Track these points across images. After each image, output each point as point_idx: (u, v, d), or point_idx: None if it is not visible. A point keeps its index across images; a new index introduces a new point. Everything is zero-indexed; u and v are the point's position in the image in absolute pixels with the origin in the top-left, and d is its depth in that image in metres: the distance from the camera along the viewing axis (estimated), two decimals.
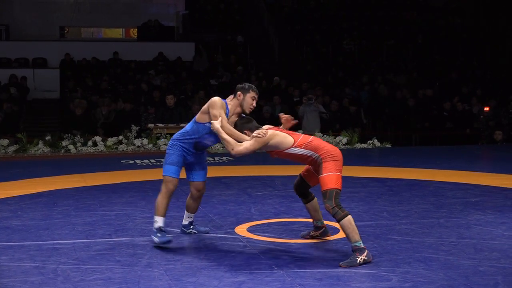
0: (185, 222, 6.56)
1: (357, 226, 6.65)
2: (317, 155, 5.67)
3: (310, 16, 24.23)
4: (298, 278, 5.11)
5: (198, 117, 6.12)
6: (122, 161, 12.45)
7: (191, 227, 6.55)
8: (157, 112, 15.47)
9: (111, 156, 13.56)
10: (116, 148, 14.23)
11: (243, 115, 6.13)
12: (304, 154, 5.72)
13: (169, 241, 5.97)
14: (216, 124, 5.79)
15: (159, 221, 6.05)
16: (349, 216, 5.50)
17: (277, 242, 6.23)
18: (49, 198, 8.57)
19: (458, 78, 20.63)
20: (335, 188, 5.55)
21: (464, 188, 9.12)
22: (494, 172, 10.62)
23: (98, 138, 14.31)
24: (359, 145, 14.69)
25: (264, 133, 5.64)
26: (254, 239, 6.35)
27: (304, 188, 6.16)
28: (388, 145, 14.99)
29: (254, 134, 5.66)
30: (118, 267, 5.40)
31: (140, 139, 14.37)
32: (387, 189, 9.09)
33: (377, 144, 14.82)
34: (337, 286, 4.91)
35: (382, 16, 24.37)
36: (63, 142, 14.13)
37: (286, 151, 5.74)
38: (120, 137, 14.45)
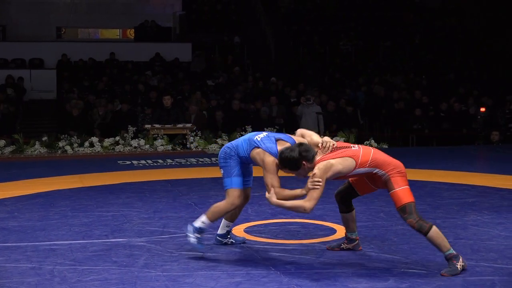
0: (223, 231, 6.15)
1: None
2: (383, 172, 5.43)
3: (307, 17, 24.26)
4: (295, 278, 5.11)
5: (253, 158, 5.70)
6: (119, 161, 12.44)
7: (228, 236, 6.17)
8: (154, 112, 15.46)
9: (108, 156, 13.55)
10: (113, 148, 14.22)
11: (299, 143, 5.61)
12: (369, 172, 5.48)
13: (202, 249, 5.73)
14: (272, 199, 5.45)
15: (205, 223, 5.73)
16: (434, 227, 5.30)
17: (274, 243, 6.22)
18: (46, 199, 8.56)
19: (455, 79, 20.66)
20: (412, 202, 5.36)
21: (461, 188, 9.13)
22: (490, 173, 10.63)
23: (95, 139, 14.30)
24: None
25: (318, 183, 5.35)
26: (251, 239, 6.34)
27: (350, 196, 5.88)
28: (385, 146, 14.99)
29: (310, 186, 5.37)
30: (115, 268, 5.40)
31: (137, 139, 14.36)
32: (384, 189, 9.06)
33: (374, 144, 14.82)
34: (334, 286, 4.92)
35: (379, 17, 24.41)
36: (59, 143, 14.11)
37: (351, 174, 5.49)
38: (117, 138, 14.44)
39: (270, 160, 5.53)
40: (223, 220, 6.10)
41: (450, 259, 5.27)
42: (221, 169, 5.80)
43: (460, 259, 5.25)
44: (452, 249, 5.30)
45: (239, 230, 6.67)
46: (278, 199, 5.43)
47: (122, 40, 25.69)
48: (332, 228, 6.77)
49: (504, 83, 19.87)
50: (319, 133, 15.13)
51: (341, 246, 5.95)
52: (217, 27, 24.20)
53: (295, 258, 5.69)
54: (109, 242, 6.25)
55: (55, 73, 20.57)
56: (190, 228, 5.76)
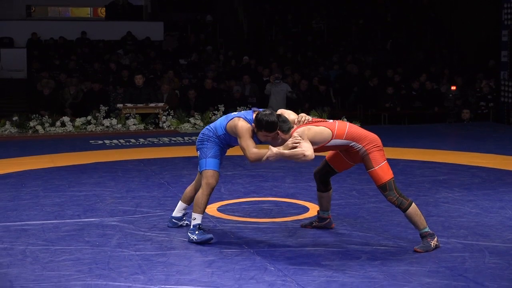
0: (178, 214, 6.13)
1: None
2: (359, 145, 5.44)
3: None
4: (268, 257, 5.14)
5: (229, 130, 5.64)
6: (91, 141, 12.37)
7: (184, 218, 6.16)
8: (126, 92, 15.37)
9: (79, 136, 13.47)
10: (85, 128, 14.13)
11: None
12: (345, 144, 5.46)
13: (211, 239, 5.56)
14: (272, 150, 5.35)
15: (197, 219, 5.59)
16: (413, 204, 5.35)
17: (247, 221, 6.25)
18: (17, 179, 8.50)
19: (426, 58, 20.75)
20: (391, 178, 5.40)
21: (432, 166, 9.22)
22: (461, 151, 10.73)
23: (66, 119, 14.19)
24: None
25: (298, 139, 5.35)
26: (224, 218, 6.36)
27: (329, 174, 5.83)
28: (358, 124, 15.05)
29: (290, 143, 5.34)
30: (87, 248, 5.39)
31: (109, 119, 14.28)
32: (356, 167, 8.96)
33: None
34: (307, 264, 4.95)
35: None
36: (30, 123, 13.99)
37: (327, 144, 5.45)
38: (89, 117, 14.34)
39: (245, 125, 5.51)
40: (180, 202, 6.10)
41: (425, 237, 5.31)
42: (198, 151, 5.76)
43: (435, 238, 5.31)
44: (428, 227, 5.35)
45: (212, 209, 6.68)
46: (255, 158, 5.42)
47: (93, 18, 25.41)
48: (305, 206, 6.80)
49: (474, 63, 20.01)
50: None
51: (313, 224, 5.99)
52: (189, 6, 24.04)
53: (268, 237, 5.72)
54: (82, 222, 6.23)
55: (25, 52, 20.33)
56: (190, 235, 5.61)
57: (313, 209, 6.63)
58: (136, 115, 14.36)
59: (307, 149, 5.27)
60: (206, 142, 5.69)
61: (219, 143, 5.69)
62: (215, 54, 20.43)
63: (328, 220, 5.94)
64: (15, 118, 14.06)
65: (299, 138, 5.33)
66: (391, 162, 9.34)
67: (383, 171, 5.39)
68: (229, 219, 6.33)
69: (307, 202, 6.99)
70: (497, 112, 16.10)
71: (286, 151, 5.31)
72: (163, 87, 15.89)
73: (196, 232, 5.57)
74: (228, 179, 8.34)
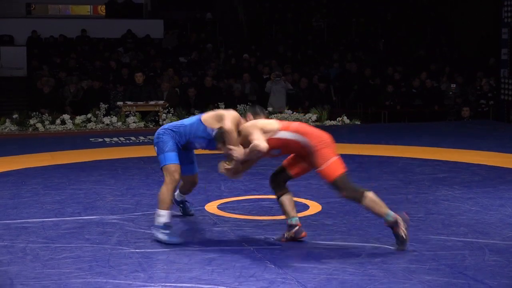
0: (178, 198, 6.27)
1: (326, 203, 6.74)
2: (308, 143, 5.31)
3: None
4: (268, 254, 5.14)
5: (207, 119, 5.66)
6: (91, 139, 12.37)
7: (181, 205, 6.29)
8: (126, 90, 15.38)
9: (79, 134, 13.48)
10: (85, 126, 14.15)
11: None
12: (293, 139, 5.34)
13: (179, 243, 5.43)
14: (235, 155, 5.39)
15: (165, 215, 5.50)
16: (368, 194, 5.22)
17: (247, 219, 6.25)
18: (17, 177, 8.50)
19: (426, 56, 20.75)
20: (342, 173, 5.25)
21: (432, 164, 9.22)
22: (461, 148, 10.73)
23: (66, 116, 14.21)
24: (328, 122, 14.74)
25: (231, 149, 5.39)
26: (224, 216, 6.37)
27: (283, 179, 5.62)
28: (358, 122, 15.07)
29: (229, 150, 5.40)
30: (87, 246, 5.40)
31: (109, 117, 14.29)
32: (356, 165, 9.14)
33: (347, 121, 14.88)
34: (307, 262, 4.96)
35: None
36: (31, 120, 14.00)
37: (276, 136, 5.35)
38: (89, 115, 14.36)
39: (232, 113, 5.61)
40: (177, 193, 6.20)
41: (392, 227, 5.23)
42: (155, 147, 5.79)
43: (400, 223, 5.18)
44: (390, 213, 5.22)
45: (212, 207, 6.69)
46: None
47: (93, 16, 25.42)
48: (305, 204, 6.81)
49: (474, 60, 20.00)
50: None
51: (285, 236, 5.54)
52: (189, 4, 24.05)
53: (268, 235, 5.73)
54: (82, 220, 6.24)
55: (25, 50, 20.33)
56: (155, 231, 5.55)
57: (313, 207, 6.65)
58: (136, 113, 14.37)
59: (259, 141, 5.26)
60: (161, 136, 5.73)
61: (175, 137, 5.69)
62: (215, 52, 20.43)
63: (297, 227, 5.51)
64: (15, 116, 14.08)
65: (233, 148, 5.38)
66: (392, 160, 9.46)
67: (332, 168, 5.25)
68: (229, 217, 6.33)
69: (307, 200, 7.00)
70: (497, 110, 16.11)
71: (243, 151, 5.35)
72: (163, 85, 15.90)
73: (166, 232, 5.48)
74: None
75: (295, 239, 5.47)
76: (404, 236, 5.19)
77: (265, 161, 9.41)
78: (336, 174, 5.24)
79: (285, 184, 5.63)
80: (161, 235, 5.47)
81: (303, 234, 5.50)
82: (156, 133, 5.84)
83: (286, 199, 5.58)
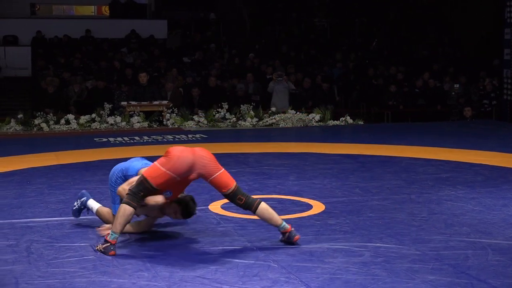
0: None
1: (329, 202, 6.76)
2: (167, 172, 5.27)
3: None
4: (272, 254, 5.15)
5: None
6: (95, 139, 12.39)
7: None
8: (130, 90, 15.41)
9: (84, 134, 13.50)
10: (89, 126, 14.17)
11: None
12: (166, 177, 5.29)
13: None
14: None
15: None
16: (127, 207, 5.18)
17: (250, 219, 6.24)
18: (22, 176, 8.52)
19: (429, 56, 20.75)
20: (146, 179, 5.27)
21: (435, 164, 9.21)
22: (464, 148, 10.72)
23: (70, 116, 14.24)
24: (331, 122, 14.74)
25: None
26: (228, 216, 6.38)
27: (231, 198, 5.44)
28: (361, 122, 15.07)
29: None
30: (92, 245, 5.40)
31: (113, 117, 14.32)
32: (359, 165, 9.16)
33: (350, 121, 14.89)
34: (310, 261, 4.96)
35: None
36: (35, 120, 14.03)
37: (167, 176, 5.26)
38: (93, 115, 14.39)
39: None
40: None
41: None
42: (109, 188, 5.87)
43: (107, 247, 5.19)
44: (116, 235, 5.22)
45: (216, 207, 6.70)
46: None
47: (97, 16, 25.48)
48: (308, 204, 6.82)
49: (476, 60, 19.98)
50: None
51: (281, 239, 5.46)
52: (193, 4, 24.08)
53: (271, 234, 5.71)
54: (86, 219, 6.23)
55: (30, 50, 20.39)
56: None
57: (316, 207, 6.66)
58: (140, 113, 14.40)
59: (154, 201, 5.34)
60: (115, 186, 5.72)
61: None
62: (219, 52, 20.46)
63: (287, 234, 5.37)
64: (20, 116, 14.11)
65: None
66: (395, 160, 9.48)
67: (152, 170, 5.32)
68: (233, 217, 6.35)
69: (311, 200, 7.01)
70: (500, 110, 16.10)
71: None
72: (167, 85, 15.93)
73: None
74: (232, 176, 8.35)
75: (289, 243, 5.38)
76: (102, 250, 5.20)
77: (269, 161, 9.48)
78: (145, 174, 5.27)
79: (244, 199, 5.40)
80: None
81: (296, 237, 5.36)
82: (110, 178, 5.86)
83: (259, 214, 5.39)
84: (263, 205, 5.37)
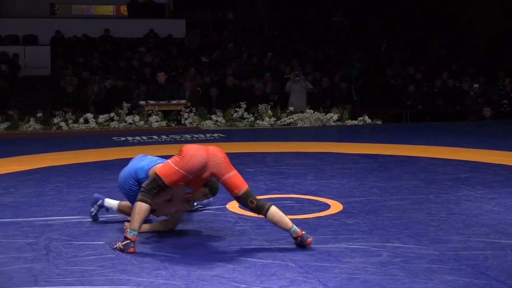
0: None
1: (347, 202, 6.74)
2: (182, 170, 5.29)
3: None
4: (290, 253, 5.14)
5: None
6: (113, 138, 12.45)
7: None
8: (148, 89, 15.47)
9: (102, 133, 13.56)
10: (108, 125, 14.24)
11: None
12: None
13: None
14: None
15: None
16: (142, 205, 5.24)
17: None
18: (41, 175, 8.57)
19: (448, 55, 20.66)
20: (158, 176, 5.32)
21: (454, 164, 9.18)
22: (483, 148, 10.67)
23: (89, 115, 14.31)
24: (350, 122, 14.73)
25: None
26: (246, 215, 6.37)
27: (242, 201, 5.39)
28: (379, 122, 15.04)
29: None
30: (111, 243, 5.41)
31: (131, 116, 14.38)
32: (377, 165, 9.14)
33: (368, 120, 14.86)
34: (328, 261, 4.95)
35: None
36: (54, 119, 14.12)
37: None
38: (112, 114, 14.45)
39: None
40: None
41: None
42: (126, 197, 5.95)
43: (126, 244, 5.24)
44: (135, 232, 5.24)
45: (234, 206, 6.70)
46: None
47: (116, 16, 25.58)
48: (326, 204, 6.81)
49: (496, 60, 19.88)
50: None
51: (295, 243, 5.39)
52: (211, 4, 24.12)
53: (289, 234, 5.72)
54: (105, 218, 6.26)
55: (49, 49, 20.52)
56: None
57: (334, 206, 6.65)
58: (158, 112, 14.45)
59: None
60: (130, 193, 5.80)
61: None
62: (237, 52, 20.48)
63: (299, 238, 5.30)
64: (39, 115, 14.21)
65: None
66: (413, 160, 9.46)
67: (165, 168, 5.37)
68: (251, 216, 6.32)
69: (329, 199, 7.00)
70: None
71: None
72: (185, 84, 15.97)
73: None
74: (249, 176, 8.36)
75: (305, 246, 5.29)
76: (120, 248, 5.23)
77: (287, 161, 9.49)
78: (158, 172, 5.32)
79: (256, 202, 5.38)
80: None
81: (309, 240, 5.29)
82: (122, 183, 5.94)
83: (269, 218, 5.37)
84: (273, 208, 5.36)
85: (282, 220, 5.34)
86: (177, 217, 5.81)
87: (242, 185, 5.35)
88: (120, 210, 6.07)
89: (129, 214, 5.77)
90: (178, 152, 5.39)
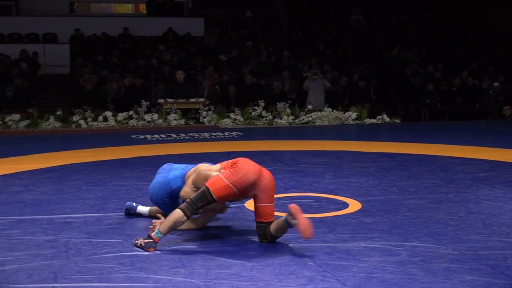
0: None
1: (366, 201, 6.73)
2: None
3: None
4: (308, 252, 5.15)
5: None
6: (132, 136, 12.51)
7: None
8: (167, 87, 15.52)
9: (121, 131, 13.64)
10: (127, 123, 14.31)
11: None
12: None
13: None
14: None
15: None
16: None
17: None
18: (60, 172, 8.63)
19: (468, 54, 20.56)
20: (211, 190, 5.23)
21: (473, 163, 9.14)
22: (503, 147, 10.63)
23: (108, 113, 14.39)
24: (368, 121, 14.71)
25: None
26: None
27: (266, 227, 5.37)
28: (398, 120, 15.00)
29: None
30: (129, 241, 5.44)
31: (150, 114, 14.44)
32: (396, 164, 9.12)
33: (387, 119, 14.83)
34: (346, 260, 4.95)
35: None
36: (74, 117, 14.22)
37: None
38: (131, 112, 14.52)
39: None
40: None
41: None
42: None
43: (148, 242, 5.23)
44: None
45: (252, 205, 6.69)
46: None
47: (135, 14, 25.69)
48: (345, 202, 6.80)
49: None
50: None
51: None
52: (230, 2, 24.15)
53: None
54: (123, 216, 6.31)
55: (69, 47, 20.64)
56: None
57: (353, 205, 6.65)
58: (177, 110, 14.50)
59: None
60: (163, 206, 5.89)
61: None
62: (255, 50, 20.49)
63: (288, 218, 5.36)
64: (58, 113, 14.31)
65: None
66: (432, 159, 9.42)
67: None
68: None
69: (347, 198, 6.99)
70: None
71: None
72: (203, 82, 16.01)
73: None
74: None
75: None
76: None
77: (305, 159, 9.49)
78: (208, 185, 5.22)
79: (270, 238, 5.35)
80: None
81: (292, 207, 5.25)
82: (154, 197, 6.01)
83: (272, 229, 5.34)
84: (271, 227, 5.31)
85: (278, 225, 5.27)
86: (207, 217, 5.79)
87: (272, 215, 5.36)
88: (151, 215, 6.14)
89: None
90: (230, 165, 5.36)
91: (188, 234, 5.68)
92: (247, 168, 5.26)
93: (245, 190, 5.27)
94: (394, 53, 20.20)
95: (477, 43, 21.85)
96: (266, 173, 5.36)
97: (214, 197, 5.18)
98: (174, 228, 5.27)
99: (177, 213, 5.20)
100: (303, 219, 5.06)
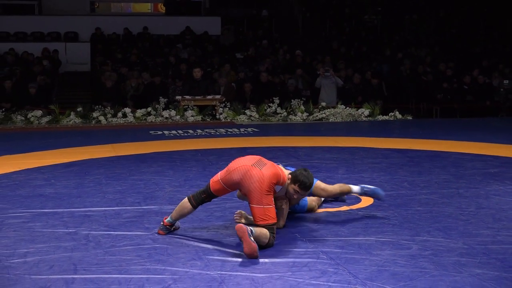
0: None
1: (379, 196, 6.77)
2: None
3: None
4: (321, 246, 5.23)
5: None
6: (150, 132, 12.58)
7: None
8: (184, 84, 15.62)
9: (140, 127, 13.71)
10: (145, 119, 14.43)
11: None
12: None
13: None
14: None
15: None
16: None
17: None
18: (81, 167, 8.72)
19: (479, 52, 20.51)
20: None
21: (484, 159, 9.16)
22: None
23: (127, 110, 14.51)
24: (380, 117, 14.75)
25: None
26: None
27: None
28: (409, 117, 15.03)
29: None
30: (147, 234, 5.55)
31: (168, 110, 14.55)
32: (407, 160, 9.17)
33: (399, 116, 14.88)
34: (358, 254, 5.03)
35: None
36: (94, 114, 14.34)
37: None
38: (149, 109, 14.65)
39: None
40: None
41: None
42: None
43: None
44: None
45: None
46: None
47: (153, 13, 25.81)
48: (357, 197, 6.86)
49: None
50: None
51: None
52: (246, 1, 24.22)
53: (321, 226, 5.82)
54: (142, 209, 6.40)
55: (89, 46, 20.79)
56: None
57: (365, 200, 6.72)
58: (194, 107, 14.61)
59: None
60: None
61: None
62: (271, 48, 20.54)
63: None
64: (79, 109, 14.45)
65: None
66: (443, 155, 9.48)
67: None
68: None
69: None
70: None
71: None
72: (220, 80, 16.11)
73: None
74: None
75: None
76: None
77: (319, 155, 9.56)
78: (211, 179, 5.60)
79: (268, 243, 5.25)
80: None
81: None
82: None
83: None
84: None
85: (260, 235, 5.19)
86: (282, 214, 5.75)
87: (259, 220, 5.24)
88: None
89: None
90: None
91: (204, 228, 5.78)
92: (233, 166, 5.42)
93: (232, 187, 5.47)
94: (398, 56, 20.20)
95: (489, 41, 21.78)
96: (256, 175, 5.28)
97: (210, 189, 5.50)
98: (180, 213, 5.56)
99: (184, 201, 5.57)
100: (247, 245, 4.96)
